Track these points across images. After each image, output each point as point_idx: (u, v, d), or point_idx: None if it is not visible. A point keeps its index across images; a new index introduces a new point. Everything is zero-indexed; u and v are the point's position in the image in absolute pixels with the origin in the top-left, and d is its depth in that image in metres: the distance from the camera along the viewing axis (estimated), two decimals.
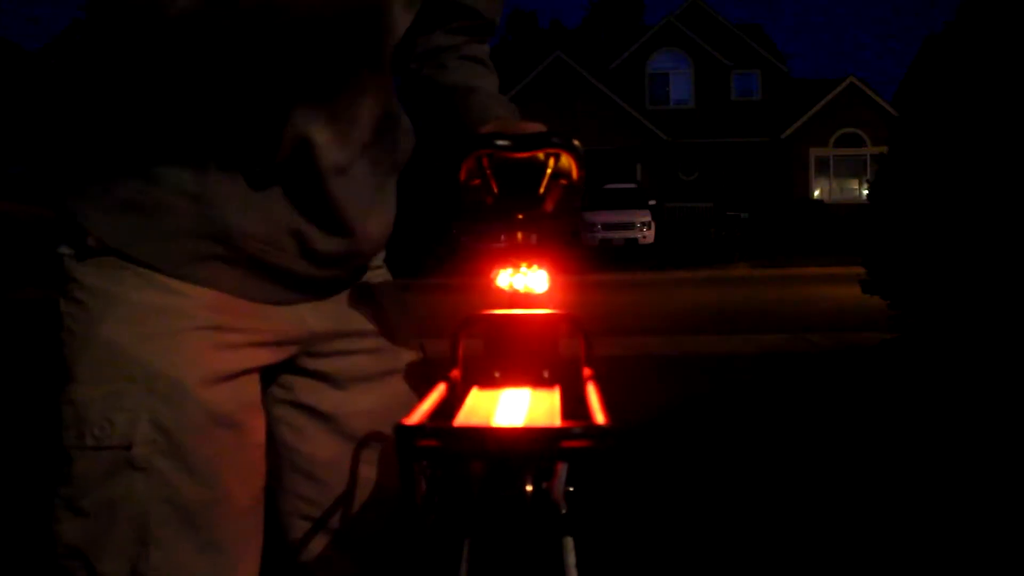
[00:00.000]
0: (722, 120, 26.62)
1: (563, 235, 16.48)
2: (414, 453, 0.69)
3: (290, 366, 1.02)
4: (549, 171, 0.90)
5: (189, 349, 0.91)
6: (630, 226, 19.93)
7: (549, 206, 0.93)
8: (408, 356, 1.09)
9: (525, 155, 0.89)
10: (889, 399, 4.02)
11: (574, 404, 0.80)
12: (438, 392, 0.80)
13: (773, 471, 2.91)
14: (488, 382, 0.87)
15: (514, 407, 0.81)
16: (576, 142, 0.90)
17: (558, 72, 24.99)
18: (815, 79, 28.40)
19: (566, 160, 0.91)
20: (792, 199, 24.89)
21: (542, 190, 0.90)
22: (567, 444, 0.69)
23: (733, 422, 3.67)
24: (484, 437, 0.71)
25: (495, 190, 0.90)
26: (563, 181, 0.92)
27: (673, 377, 4.75)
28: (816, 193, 25.93)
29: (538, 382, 0.87)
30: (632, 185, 22.63)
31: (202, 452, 0.89)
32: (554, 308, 0.91)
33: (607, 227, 19.72)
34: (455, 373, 0.86)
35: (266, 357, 0.98)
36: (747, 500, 2.60)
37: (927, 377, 4.44)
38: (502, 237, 1.01)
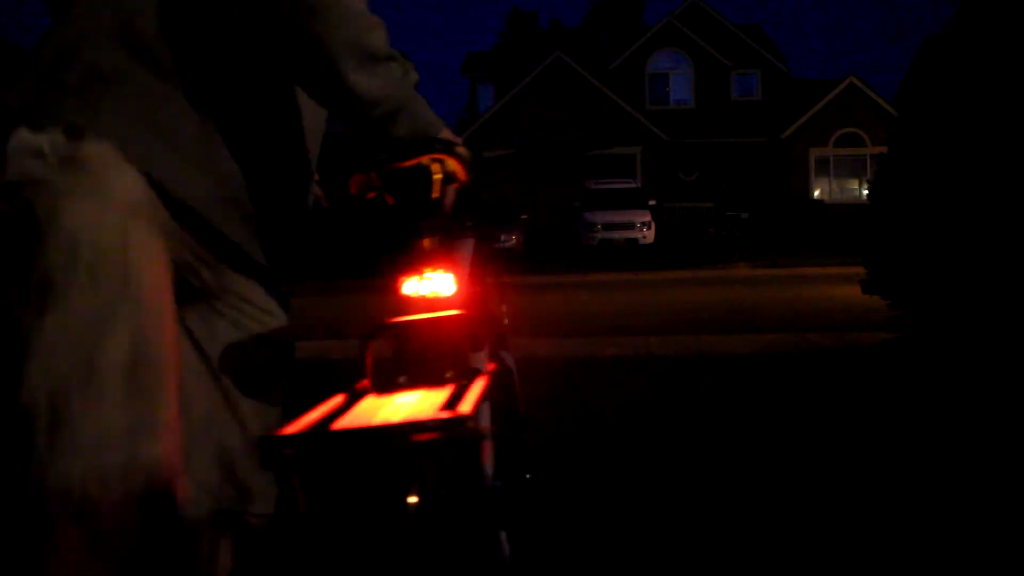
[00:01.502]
0: (722, 120, 26.62)
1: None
2: (278, 463, 0.71)
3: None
4: (438, 176, 0.92)
5: (163, 268, 1.01)
6: (630, 226, 19.93)
7: (447, 209, 0.95)
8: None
9: (411, 164, 0.91)
10: (889, 399, 4.02)
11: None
12: (331, 404, 0.81)
13: (772, 470, 2.91)
14: (391, 388, 0.87)
15: (394, 409, 0.82)
16: (459, 148, 0.93)
17: (558, 72, 24.98)
18: (815, 79, 28.40)
19: (452, 164, 0.93)
20: (792, 199, 24.88)
21: (435, 195, 0.92)
22: (418, 438, 0.71)
23: (732, 422, 3.67)
24: (334, 439, 0.72)
25: (390, 201, 0.93)
26: (455, 184, 0.94)
27: (673, 377, 4.75)
28: (816, 193, 25.92)
29: (440, 383, 0.88)
30: (632, 184, 22.64)
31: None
32: (462, 309, 0.92)
33: (607, 227, 19.73)
34: (364, 383, 0.87)
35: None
36: (745, 499, 2.60)
37: (927, 377, 4.44)
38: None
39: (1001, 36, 4.51)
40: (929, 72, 5.17)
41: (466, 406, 0.76)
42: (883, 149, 5.84)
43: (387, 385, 0.88)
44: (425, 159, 0.92)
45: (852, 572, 2.08)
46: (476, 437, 0.72)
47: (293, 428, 0.75)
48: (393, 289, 0.95)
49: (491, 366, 0.89)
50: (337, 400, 0.82)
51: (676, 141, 25.88)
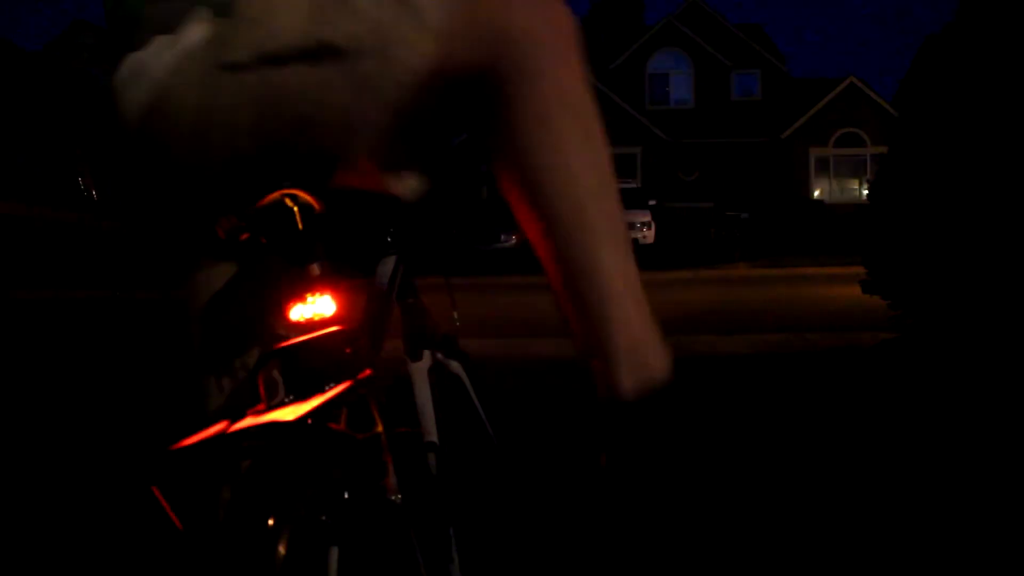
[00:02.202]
0: (722, 120, 26.63)
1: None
2: (140, 484, 0.75)
3: None
4: (297, 209, 0.97)
5: None
6: (630, 226, 19.90)
7: (316, 237, 1.00)
8: None
9: (266, 202, 0.96)
10: (889, 399, 4.02)
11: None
12: (213, 428, 0.83)
13: (771, 471, 2.91)
14: (278, 407, 0.91)
15: (237, 427, 0.84)
16: (310, 181, 0.98)
17: None
18: (815, 79, 28.40)
19: (304, 196, 0.98)
20: (792, 199, 24.90)
21: (301, 227, 0.97)
22: (248, 444, 0.75)
23: (732, 422, 3.67)
24: (169, 455, 0.76)
25: (264, 241, 0.97)
26: (316, 213, 0.99)
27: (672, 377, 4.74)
28: (816, 193, 25.94)
29: (317, 395, 0.91)
30: (632, 184, 22.64)
31: None
32: (343, 325, 0.98)
33: None
34: (258, 407, 0.90)
35: None
36: (744, 498, 2.60)
37: (927, 377, 4.44)
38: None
39: (1001, 36, 4.51)
40: (929, 72, 5.17)
41: (291, 413, 0.78)
42: (883, 149, 5.84)
43: (276, 405, 0.91)
44: (276, 195, 0.96)
45: (852, 572, 2.07)
46: (301, 438, 0.76)
47: (174, 447, 0.78)
48: (283, 317, 1.00)
49: (365, 372, 0.93)
50: (216, 428, 0.85)
51: (676, 141, 25.89)
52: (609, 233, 1.05)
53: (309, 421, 0.77)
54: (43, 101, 3.37)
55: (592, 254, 1.04)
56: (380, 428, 0.81)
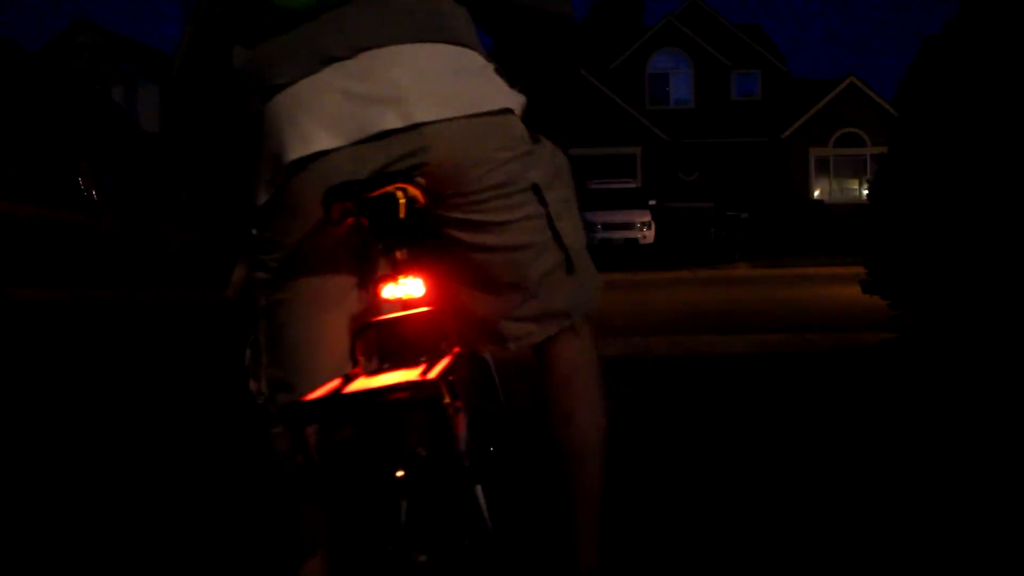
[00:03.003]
0: (722, 120, 26.62)
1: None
2: (293, 423, 0.93)
3: None
4: (403, 201, 1.12)
5: None
6: (630, 226, 19.94)
7: (412, 227, 1.16)
8: None
9: (379, 193, 1.11)
10: (889, 399, 4.02)
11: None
12: (331, 385, 1.01)
13: (772, 470, 2.91)
14: (377, 372, 1.08)
15: (378, 382, 1.01)
16: (419, 178, 1.14)
17: None
18: (815, 79, 28.41)
19: (413, 191, 1.13)
20: (792, 199, 24.90)
21: (402, 215, 1.12)
22: (393, 397, 0.93)
23: (732, 422, 3.67)
24: (332, 403, 0.94)
25: (365, 223, 1.13)
26: (418, 206, 1.14)
27: (673, 377, 4.75)
28: (816, 193, 25.94)
29: (414, 365, 1.07)
30: (632, 184, 22.64)
31: None
32: (432, 307, 1.14)
33: (607, 227, 19.73)
34: (356, 370, 1.08)
35: None
36: (744, 499, 2.60)
37: (927, 377, 4.44)
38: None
39: (1001, 36, 4.51)
40: (929, 72, 5.18)
41: (432, 373, 0.94)
42: (883, 149, 5.84)
43: (375, 370, 1.08)
44: (390, 188, 1.11)
45: (852, 572, 2.08)
46: (438, 395, 0.91)
47: (306, 398, 0.96)
48: (374, 293, 1.14)
49: (456, 349, 1.08)
50: (335, 383, 1.01)
51: (676, 141, 25.89)
52: (599, 468, 1.53)
53: (450, 378, 0.93)
54: (43, 101, 3.37)
55: (590, 480, 1.52)
56: (447, 400, 0.93)
